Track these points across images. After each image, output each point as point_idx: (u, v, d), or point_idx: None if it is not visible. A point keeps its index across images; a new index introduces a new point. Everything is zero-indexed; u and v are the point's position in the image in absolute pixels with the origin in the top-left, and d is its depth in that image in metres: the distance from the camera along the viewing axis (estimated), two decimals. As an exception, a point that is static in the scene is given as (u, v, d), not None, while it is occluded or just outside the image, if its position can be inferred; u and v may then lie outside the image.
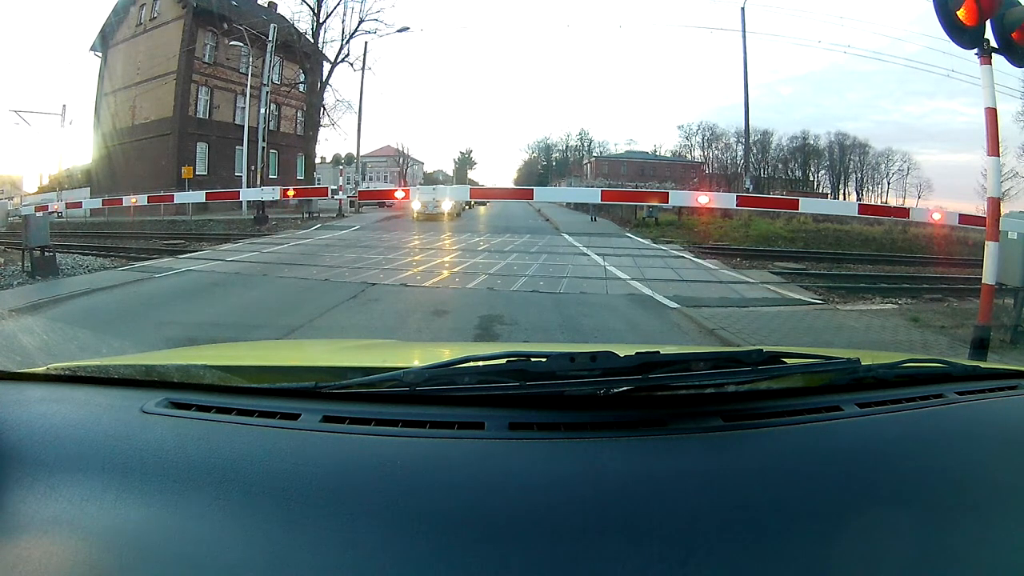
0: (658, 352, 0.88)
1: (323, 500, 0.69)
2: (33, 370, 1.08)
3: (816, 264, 11.57)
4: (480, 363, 0.89)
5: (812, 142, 46.98)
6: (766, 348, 0.92)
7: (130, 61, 26.83)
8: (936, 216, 13.11)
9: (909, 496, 0.76)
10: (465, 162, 65.81)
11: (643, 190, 12.64)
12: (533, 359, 0.87)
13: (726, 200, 12.44)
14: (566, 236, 14.96)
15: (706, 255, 11.97)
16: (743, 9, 21.01)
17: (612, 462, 0.76)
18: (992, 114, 4.89)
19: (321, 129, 27.70)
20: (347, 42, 24.27)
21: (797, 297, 8.09)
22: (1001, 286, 5.16)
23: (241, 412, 0.85)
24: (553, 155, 59.20)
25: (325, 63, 25.09)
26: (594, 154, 52.00)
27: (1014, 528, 0.72)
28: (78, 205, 17.32)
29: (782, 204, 12.26)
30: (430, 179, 62.40)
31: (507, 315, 6.27)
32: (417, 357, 1.26)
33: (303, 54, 25.05)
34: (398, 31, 23.20)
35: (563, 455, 0.78)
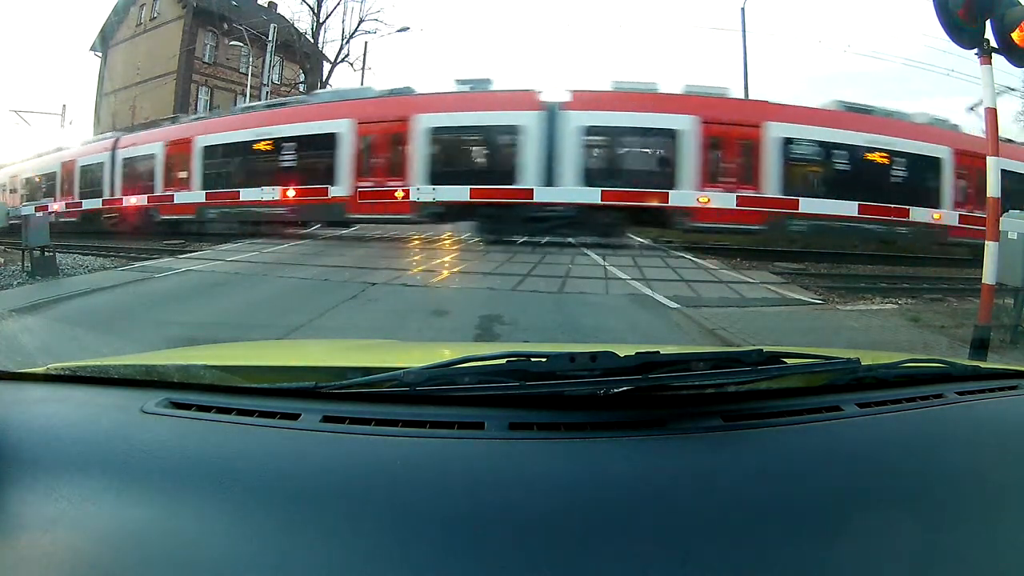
0: (658, 352, 0.88)
1: (323, 500, 0.69)
2: (33, 370, 1.08)
3: (816, 264, 11.56)
4: (480, 363, 0.89)
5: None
6: (766, 348, 0.92)
7: (130, 61, 26.76)
8: (936, 216, 13.13)
9: (909, 496, 0.76)
10: (465, 162, 65.54)
11: (643, 190, 12.55)
12: (533, 359, 0.86)
13: (726, 200, 12.46)
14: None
15: (706, 255, 11.96)
16: (743, 9, 20.92)
17: (612, 462, 0.76)
18: (992, 114, 4.90)
19: (321, 129, 27.58)
20: (347, 42, 24.20)
21: (797, 297, 8.09)
22: (1001, 286, 5.16)
23: (241, 412, 0.85)
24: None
25: (325, 63, 25.05)
26: (594, 154, 51.72)
27: (1014, 528, 0.72)
28: (78, 205, 17.34)
29: (782, 204, 12.24)
30: (430, 179, 62.09)
31: (507, 315, 6.26)
32: (417, 357, 1.25)
33: (303, 54, 24.99)
34: (398, 31, 23.09)
35: (563, 455, 0.78)
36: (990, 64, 4.67)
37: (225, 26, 24.54)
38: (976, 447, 0.90)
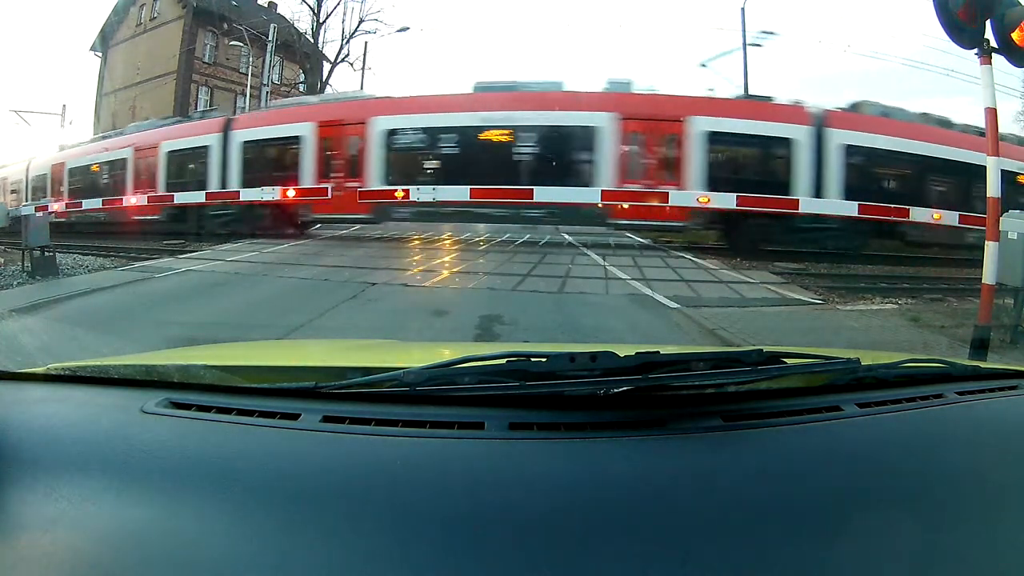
0: (658, 352, 0.88)
1: (323, 500, 0.69)
2: (33, 370, 1.08)
3: (816, 264, 11.57)
4: (480, 363, 0.89)
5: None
6: (766, 348, 0.92)
7: (130, 61, 26.76)
8: (936, 216, 13.18)
9: (909, 496, 0.76)
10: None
11: (643, 190, 12.57)
12: (533, 359, 0.86)
13: (726, 200, 12.47)
14: (566, 235, 14.96)
15: (706, 255, 11.96)
16: (743, 9, 20.89)
17: (612, 462, 0.76)
18: (992, 114, 4.89)
19: (321, 129, 27.43)
20: (347, 42, 24.12)
21: (797, 297, 8.09)
22: (1001, 286, 5.16)
23: (241, 412, 0.85)
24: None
25: (325, 63, 25.01)
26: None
27: (1014, 528, 0.72)
28: (78, 205, 17.47)
29: (782, 204, 12.25)
30: (430, 179, 62.09)
31: (507, 315, 6.26)
32: (417, 357, 1.25)
33: (303, 54, 24.96)
34: (398, 31, 23.05)
35: (563, 455, 0.78)
36: (990, 64, 4.67)
37: (225, 26, 24.54)
38: (976, 447, 0.90)
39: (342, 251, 11.80)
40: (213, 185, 14.91)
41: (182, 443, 0.80)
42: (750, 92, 13.22)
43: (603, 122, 12.08)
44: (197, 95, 25.77)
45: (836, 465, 0.80)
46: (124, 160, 16.55)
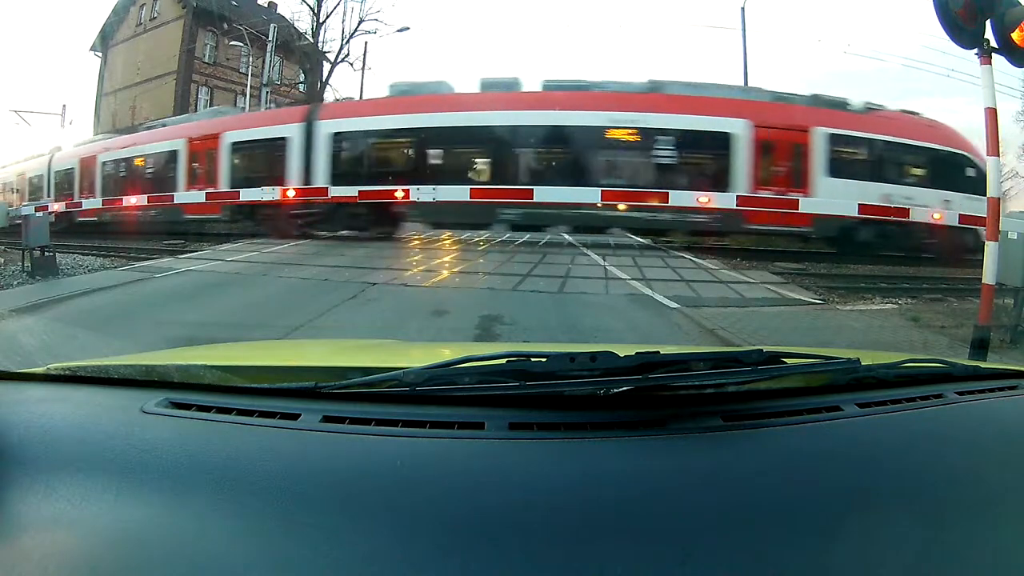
0: (658, 352, 0.88)
1: (323, 500, 0.69)
2: (33, 370, 1.08)
3: (816, 264, 11.56)
4: (480, 363, 0.89)
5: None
6: (766, 348, 0.92)
7: (130, 61, 26.77)
8: (936, 216, 13.18)
9: (909, 496, 0.76)
10: (465, 162, 65.35)
11: (643, 190, 12.59)
12: (533, 359, 0.86)
13: (726, 200, 12.49)
14: (566, 235, 14.95)
15: (706, 255, 11.96)
16: (743, 9, 20.92)
17: (612, 462, 0.76)
18: (992, 114, 4.89)
19: (321, 129, 27.35)
20: (347, 42, 24.08)
21: (797, 297, 8.08)
22: (1001, 286, 5.16)
23: (241, 412, 0.85)
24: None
25: (325, 63, 24.98)
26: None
27: (1014, 528, 0.72)
28: (78, 205, 17.50)
29: (782, 204, 12.26)
30: (430, 179, 62.01)
31: (507, 315, 6.26)
32: (417, 357, 1.25)
33: (303, 54, 24.95)
34: (398, 31, 23.04)
35: (563, 455, 0.78)
36: (990, 64, 4.67)
37: (225, 26, 24.55)
38: (976, 447, 0.90)
39: (342, 251, 11.79)
40: (44, 198, 19.19)
41: (182, 443, 0.80)
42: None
43: (179, 145, 16.16)
44: (197, 95, 25.77)
45: (836, 465, 0.80)
46: (12, 183, 21.71)
